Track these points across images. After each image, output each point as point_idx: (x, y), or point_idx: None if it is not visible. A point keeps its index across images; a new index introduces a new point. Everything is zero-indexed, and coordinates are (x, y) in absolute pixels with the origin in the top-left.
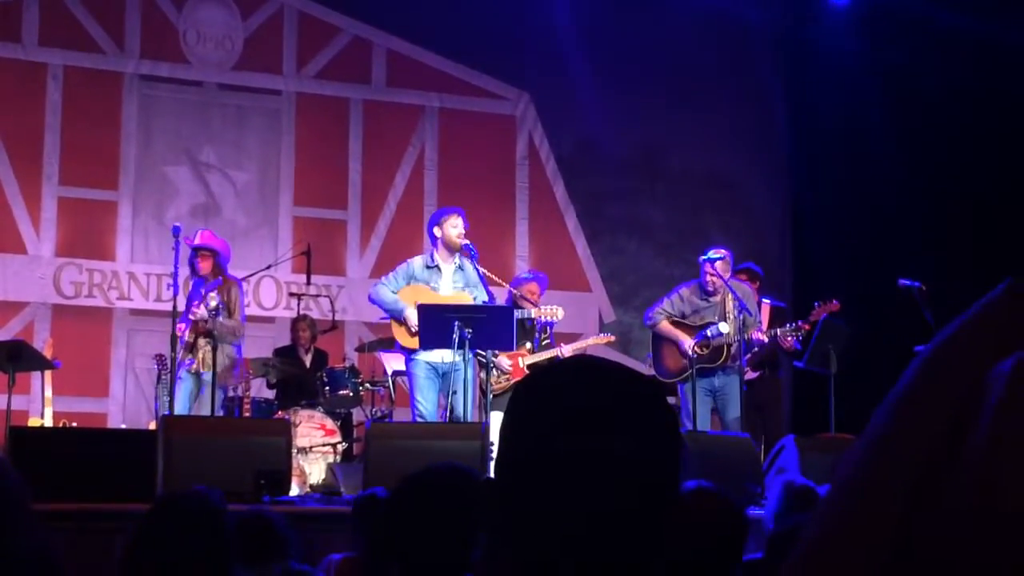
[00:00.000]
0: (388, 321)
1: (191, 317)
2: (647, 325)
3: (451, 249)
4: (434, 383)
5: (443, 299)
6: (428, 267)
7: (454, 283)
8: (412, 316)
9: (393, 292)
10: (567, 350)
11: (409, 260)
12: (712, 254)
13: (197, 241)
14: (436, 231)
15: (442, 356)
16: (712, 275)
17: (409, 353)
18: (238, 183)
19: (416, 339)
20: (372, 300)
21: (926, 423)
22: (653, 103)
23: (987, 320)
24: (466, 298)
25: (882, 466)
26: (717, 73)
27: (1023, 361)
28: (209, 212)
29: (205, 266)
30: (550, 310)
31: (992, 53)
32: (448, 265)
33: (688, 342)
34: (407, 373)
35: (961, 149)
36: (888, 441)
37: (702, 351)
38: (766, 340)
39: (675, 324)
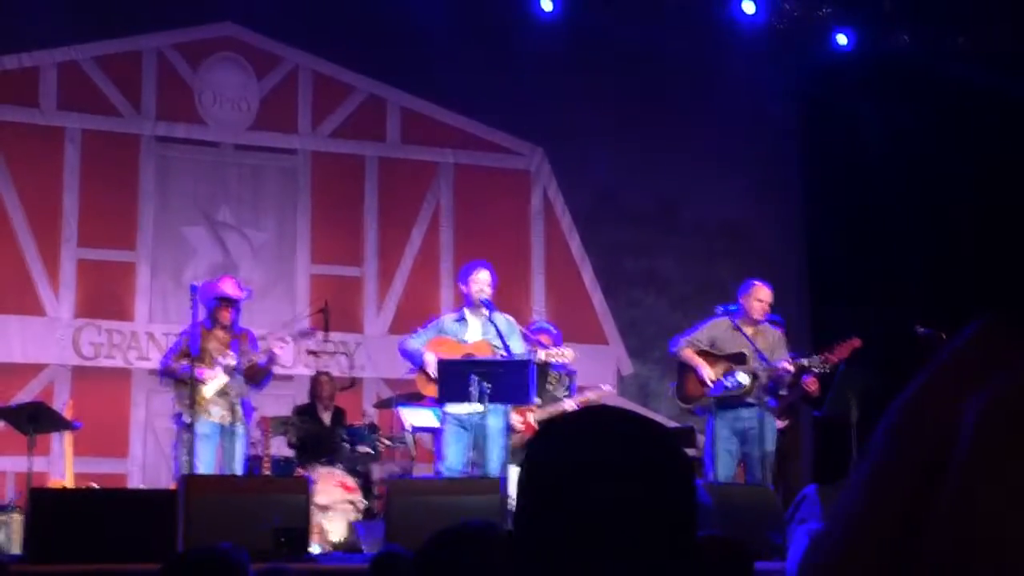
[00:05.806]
0: (413, 376)
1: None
2: (671, 352)
3: (475, 302)
4: (461, 437)
5: (465, 349)
6: (457, 321)
7: (483, 334)
8: (431, 361)
9: (419, 343)
10: (570, 404)
11: (442, 315)
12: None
13: (230, 291)
14: (464, 285)
15: (470, 409)
16: (752, 308)
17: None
18: (255, 242)
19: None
20: (402, 352)
21: (907, 462)
22: (666, 155)
23: (959, 354)
24: (486, 347)
25: (872, 504)
26: (731, 125)
27: (993, 403)
28: (226, 271)
29: (230, 315)
30: (559, 352)
31: (1004, 106)
32: (476, 318)
33: (707, 371)
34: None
35: (975, 198)
36: (876, 479)
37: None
38: (792, 369)
39: (698, 353)
